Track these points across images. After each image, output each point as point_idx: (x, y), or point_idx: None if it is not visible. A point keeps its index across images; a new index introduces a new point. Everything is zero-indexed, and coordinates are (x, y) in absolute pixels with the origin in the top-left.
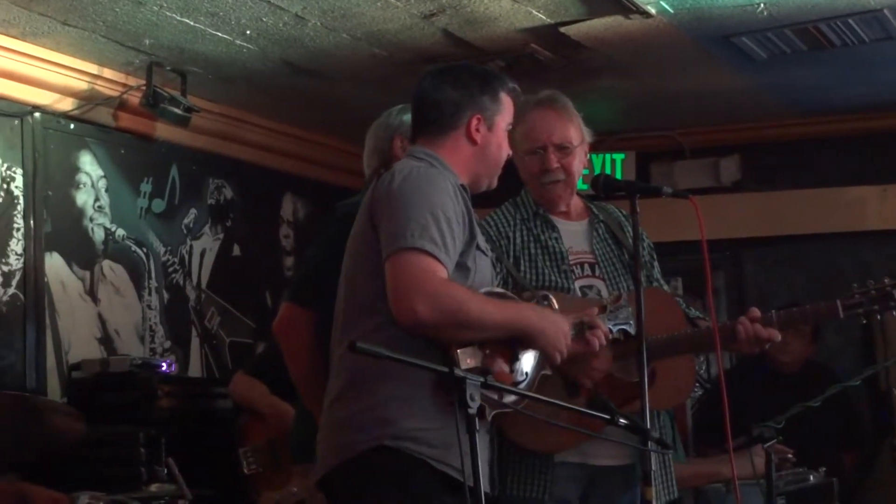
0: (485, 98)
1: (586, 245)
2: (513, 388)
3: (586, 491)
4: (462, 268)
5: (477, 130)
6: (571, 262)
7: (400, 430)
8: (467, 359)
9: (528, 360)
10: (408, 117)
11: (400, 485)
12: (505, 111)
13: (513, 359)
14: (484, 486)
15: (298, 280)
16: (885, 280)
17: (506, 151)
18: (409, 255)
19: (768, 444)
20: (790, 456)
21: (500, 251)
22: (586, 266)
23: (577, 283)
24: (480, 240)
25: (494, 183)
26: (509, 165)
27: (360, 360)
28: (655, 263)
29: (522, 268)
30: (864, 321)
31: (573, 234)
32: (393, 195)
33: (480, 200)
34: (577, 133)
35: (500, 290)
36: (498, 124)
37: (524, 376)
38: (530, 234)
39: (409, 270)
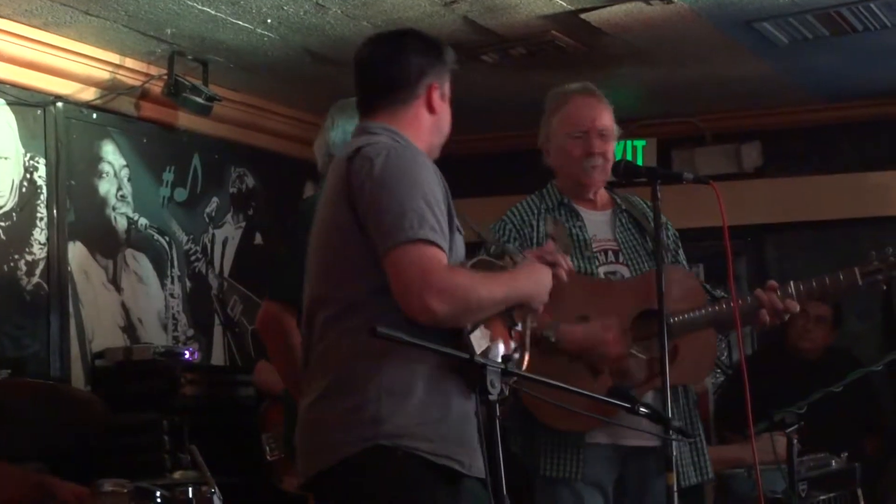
0: (442, 66)
1: (610, 233)
2: (535, 376)
3: (621, 473)
4: None
5: (437, 99)
6: (595, 250)
7: (395, 427)
8: (480, 342)
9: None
10: None
11: (397, 485)
12: (449, 82)
13: (511, 326)
14: (483, 471)
15: (276, 276)
16: None
17: (448, 124)
18: (413, 249)
19: (790, 429)
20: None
21: (524, 238)
22: (610, 253)
23: (602, 269)
24: (456, 218)
25: (436, 156)
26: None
27: (348, 356)
28: (681, 251)
29: None
30: (885, 287)
31: (597, 224)
32: (378, 182)
33: (509, 190)
34: (612, 122)
35: (481, 258)
36: (447, 95)
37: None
38: None
39: (416, 265)
